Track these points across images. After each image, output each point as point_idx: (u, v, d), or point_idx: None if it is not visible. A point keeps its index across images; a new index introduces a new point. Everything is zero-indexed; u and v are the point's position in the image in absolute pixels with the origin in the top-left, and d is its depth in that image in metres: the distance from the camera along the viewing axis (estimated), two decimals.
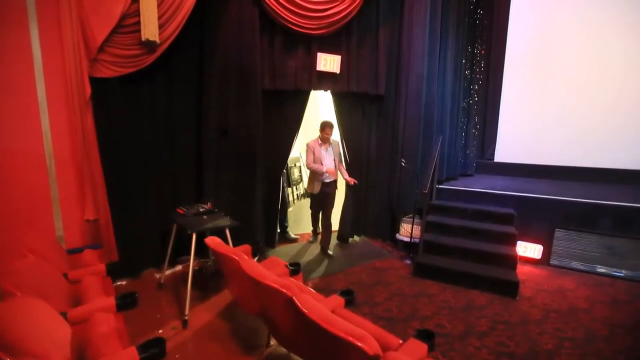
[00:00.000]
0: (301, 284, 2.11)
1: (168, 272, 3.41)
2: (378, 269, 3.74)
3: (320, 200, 4.07)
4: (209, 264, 3.62)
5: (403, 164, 4.11)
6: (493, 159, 5.66)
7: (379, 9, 4.01)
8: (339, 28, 3.81)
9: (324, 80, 3.93)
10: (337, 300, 1.83)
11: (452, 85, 4.73)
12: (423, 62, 4.08)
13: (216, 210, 3.20)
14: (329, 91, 4.13)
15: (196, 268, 3.57)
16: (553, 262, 3.86)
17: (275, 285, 1.60)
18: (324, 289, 3.11)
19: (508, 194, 4.13)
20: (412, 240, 4.05)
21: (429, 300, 3.09)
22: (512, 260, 3.43)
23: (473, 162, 5.42)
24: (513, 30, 5.41)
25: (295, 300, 1.46)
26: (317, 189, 3.99)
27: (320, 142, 3.90)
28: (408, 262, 3.87)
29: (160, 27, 2.99)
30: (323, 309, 1.45)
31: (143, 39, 2.88)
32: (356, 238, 4.61)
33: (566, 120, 5.12)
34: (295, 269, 2.28)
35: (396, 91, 4.22)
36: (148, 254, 3.45)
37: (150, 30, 2.88)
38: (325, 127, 3.86)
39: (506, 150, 5.58)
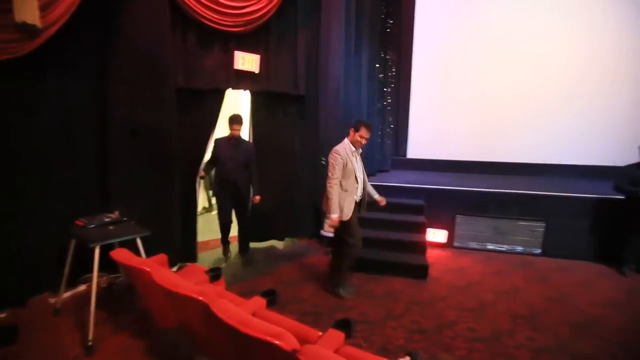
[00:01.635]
0: (221, 289, 2.04)
1: (67, 294, 2.95)
2: (304, 266, 3.81)
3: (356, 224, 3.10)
4: (120, 279, 3.25)
5: (323, 163, 4.24)
6: (406, 156, 6.24)
7: (297, 10, 4.06)
8: (257, 27, 3.76)
9: (243, 79, 3.83)
10: (259, 301, 1.82)
11: (368, 88, 5.06)
12: (340, 64, 4.28)
13: (125, 219, 2.89)
14: (247, 91, 4.04)
15: (104, 285, 3.17)
16: (455, 244, 4.44)
17: (189, 294, 1.52)
18: (249, 292, 3.01)
19: (419, 186, 4.60)
20: None
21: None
22: (423, 247, 3.84)
23: (389, 159, 5.90)
24: (418, 39, 6.04)
25: (211, 306, 1.41)
26: (349, 212, 2.97)
27: (353, 147, 3.04)
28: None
29: (44, 8, 2.55)
30: (241, 312, 1.43)
31: (17, 20, 2.42)
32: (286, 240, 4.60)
33: (466, 119, 5.89)
34: (215, 274, 2.19)
35: (316, 91, 4.35)
36: (38, 277, 2.93)
37: (25, 11, 2.42)
38: (362, 126, 2.95)
39: (416, 147, 6.20)
